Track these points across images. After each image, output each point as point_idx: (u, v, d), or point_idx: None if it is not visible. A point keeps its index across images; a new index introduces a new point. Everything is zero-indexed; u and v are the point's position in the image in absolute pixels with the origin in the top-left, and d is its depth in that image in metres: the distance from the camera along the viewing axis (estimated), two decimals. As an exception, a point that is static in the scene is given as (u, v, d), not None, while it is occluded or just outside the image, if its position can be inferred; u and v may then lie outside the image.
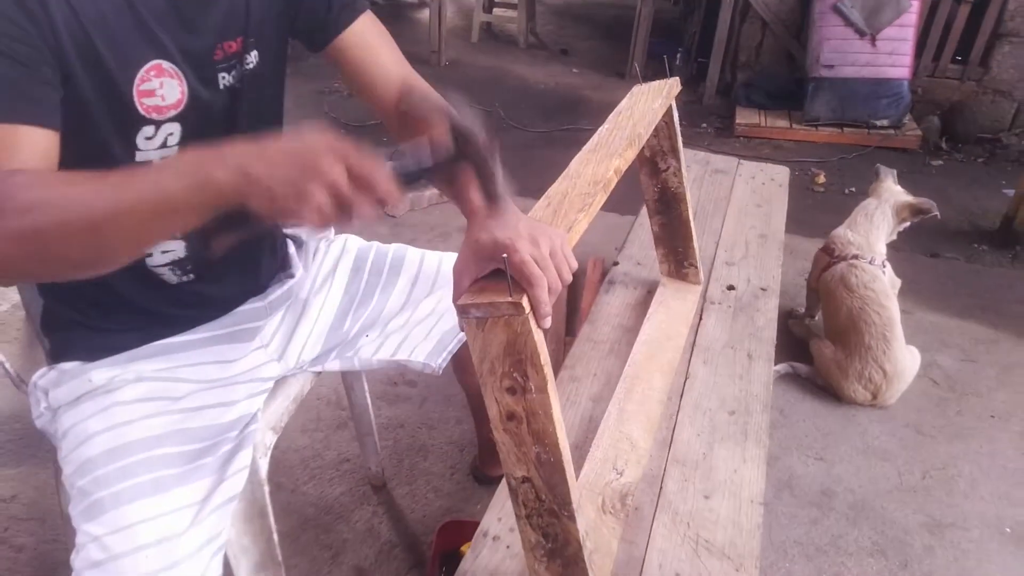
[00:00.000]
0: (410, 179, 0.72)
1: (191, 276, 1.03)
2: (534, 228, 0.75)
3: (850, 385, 2.03)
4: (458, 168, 0.75)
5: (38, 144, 0.75)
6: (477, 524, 1.01)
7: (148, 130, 0.89)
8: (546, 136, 3.77)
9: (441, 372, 1.25)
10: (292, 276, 1.21)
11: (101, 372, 0.99)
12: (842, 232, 2.21)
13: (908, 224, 2.22)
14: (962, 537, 1.69)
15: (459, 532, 1.47)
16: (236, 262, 1.09)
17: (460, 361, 1.41)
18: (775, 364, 2.05)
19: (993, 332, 2.41)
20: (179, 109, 0.90)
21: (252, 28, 0.94)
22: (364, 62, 1.04)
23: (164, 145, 0.91)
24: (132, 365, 1.01)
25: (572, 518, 0.81)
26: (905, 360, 2.02)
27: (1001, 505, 1.77)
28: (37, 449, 1.75)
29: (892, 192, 2.23)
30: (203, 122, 0.93)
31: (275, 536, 1.12)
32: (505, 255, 0.69)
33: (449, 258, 1.34)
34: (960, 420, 2.04)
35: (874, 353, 1.99)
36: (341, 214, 0.64)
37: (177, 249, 1.00)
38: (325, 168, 0.62)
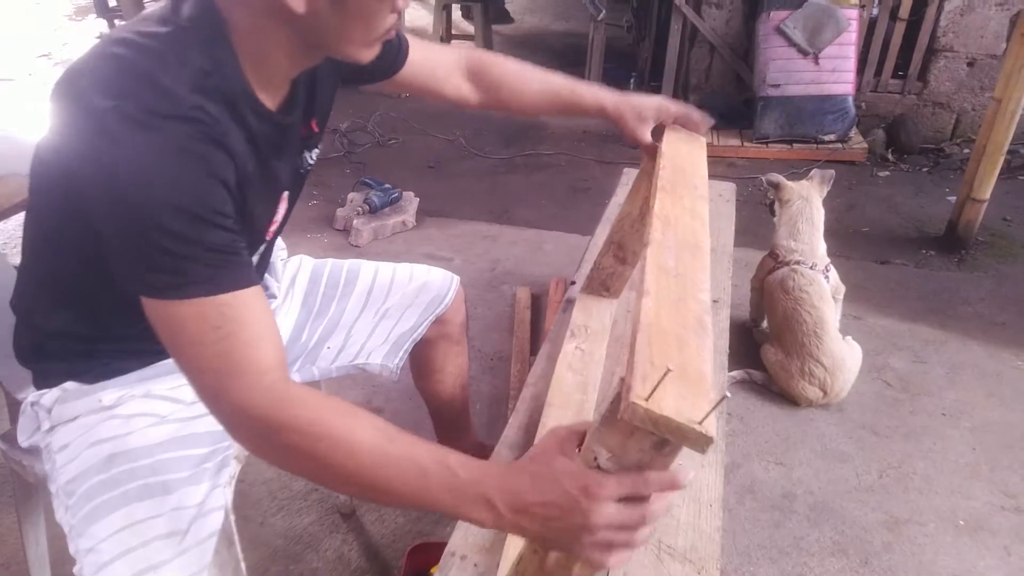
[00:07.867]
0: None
1: None
2: (662, 98, 1.21)
3: (797, 384, 2.08)
4: None
5: (256, 302, 0.79)
6: (445, 545, 1.03)
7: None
8: (508, 162, 3.82)
9: (398, 375, 1.29)
10: (274, 296, 1.25)
11: (110, 393, 0.98)
12: (785, 242, 2.27)
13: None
14: (919, 532, 1.74)
15: (428, 554, 1.48)
16: None
17: (419, 368, 1.45)
18: (730, 371, 2.10)
19: (942, 333, 2.50)
20: (282, 217, 1.00)
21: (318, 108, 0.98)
22: (429, 77, 1.20)
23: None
24: (141, 384, 1.01)
25: None
26: (842, 351, 2.08)
27: (954, 499, 1.83)
28: (-2, 494, 1.73)
29: (802, 186, 2.32)
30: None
31: (242, 565, 1.12)
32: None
33: (402, 268, 1.38)
34: (913, 419, 2.11)
35: (808, 349, 2.06)
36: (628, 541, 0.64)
37: None
38: (595, 520, 0.61)
